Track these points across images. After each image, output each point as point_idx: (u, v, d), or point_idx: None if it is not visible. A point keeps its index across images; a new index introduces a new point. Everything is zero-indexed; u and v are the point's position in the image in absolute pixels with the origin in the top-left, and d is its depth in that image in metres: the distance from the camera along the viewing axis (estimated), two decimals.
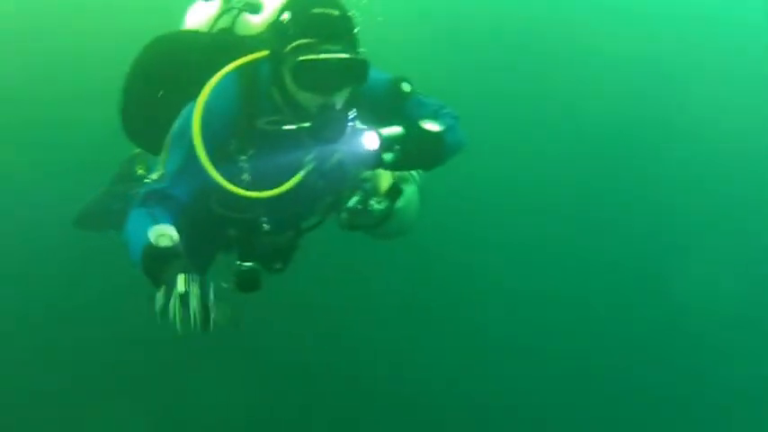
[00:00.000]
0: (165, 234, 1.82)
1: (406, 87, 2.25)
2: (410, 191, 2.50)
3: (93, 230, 3.18)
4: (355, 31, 2.03)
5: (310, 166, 2.13)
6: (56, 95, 4.09)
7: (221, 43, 2.32)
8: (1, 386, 3.63)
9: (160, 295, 1.69)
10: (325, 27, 1.94)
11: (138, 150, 2.95)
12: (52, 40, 4.33)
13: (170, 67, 2.30)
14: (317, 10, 1.95)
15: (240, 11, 2.40)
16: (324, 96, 1.99)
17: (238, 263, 2.30)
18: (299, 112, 2.04)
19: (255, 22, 2.46)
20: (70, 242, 3.58)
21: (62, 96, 4.12)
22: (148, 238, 1.81)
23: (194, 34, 2.45)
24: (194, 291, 1.65)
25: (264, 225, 2.27)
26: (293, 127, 2.03)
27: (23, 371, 3.67)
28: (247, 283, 2.30)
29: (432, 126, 2.14)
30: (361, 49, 2.04)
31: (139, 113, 2.37)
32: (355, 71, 2.01)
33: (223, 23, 2.43)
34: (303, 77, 1.96)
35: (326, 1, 1.98)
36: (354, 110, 2.13)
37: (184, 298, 1.64)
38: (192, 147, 2.00)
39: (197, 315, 1.64)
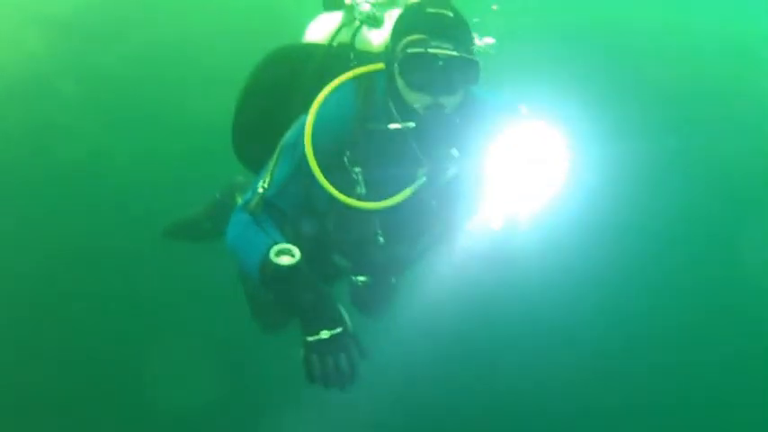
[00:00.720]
0: (285, 249, 1.80)
1: (523, 110, 2.18)
2: None
3: (179, 240, 3.29)
4: (471, 34, 2.00)
5: (422, 180, 2.05)
6: None
7: (339, 57, 2.26)
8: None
9: (309, 353, 1.71)
10: (436, 24, 1.92)
11: (240, 178, 3.01)
12: None
13: (286, 78, 2.26)
14: (430, 9, 1.94)
15: (361, 24, 2.34)
16: (432, 96, 1.94)
17: (353, 277, 2.29)
18: (408, 114, 1.99)
19: (376, 39, 2.40)
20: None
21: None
22: (266, 253, 1.79)
23: (313, 47, 2.40)
24: (344, 352, 1.71)
25: (380, 238, 2.18)
26: (398, 126, 1.99)
27: None
28: (363, 299, 2.37)
29: None
30: (475, 55, 1.98)
31: (252, 126, 2.32)
32: (463, 70, 1.94)
33: (343, 37, 2.37)
34: (409, 72, 1.93)
35: (442, 3, 1.97)
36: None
37: (335, 359, 1.70)
38: (303, 155, 1.96)
39: (348, 376, 1.71)
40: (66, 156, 4.38)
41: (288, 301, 1.81)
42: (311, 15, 2.56)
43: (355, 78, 2.10)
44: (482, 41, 2.27)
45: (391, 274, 2.39)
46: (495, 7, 2.71)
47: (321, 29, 2.49)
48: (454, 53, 1.89)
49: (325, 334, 1.72)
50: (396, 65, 1.97)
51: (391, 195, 2.04)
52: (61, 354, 3.75)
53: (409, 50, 1.91)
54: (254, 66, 2.35)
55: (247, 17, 5.11)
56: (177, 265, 3.92)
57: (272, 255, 1.77)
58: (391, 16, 2.26)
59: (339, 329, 1.74)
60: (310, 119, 1.98)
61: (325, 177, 1.96)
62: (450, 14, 1.94)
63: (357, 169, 2.05)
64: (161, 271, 4.06)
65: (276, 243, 1.82)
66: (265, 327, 2.89)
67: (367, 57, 2.22)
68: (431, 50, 1.88)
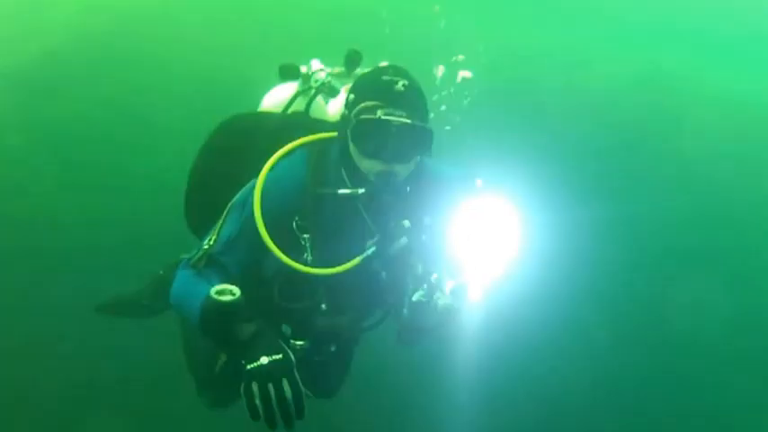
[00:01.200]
0: (225, 289, 1.74)
1: (479, 183, 2.16)
2: None
3: (114, 316, 3.13)
4: (425, 103, 2.02)
5: (371, 250, 2.03)
6: None
7: (293, 124, 2.28)
8: None
9: (248, 382, 1.64)
10: (390, 92, 1.93)
11: (184, 256, 3.02)
12: None
13: (239, 146, 2.26)
14: (385, 77, 1.96)
15: (316, 92, 2.39)
16: (384, 163, 1.94)
17: (292, 341, 2.21)
18: (360, 182, 1.99)
19: (331, 108, 2.45)
20: None
21: None
22: (207, 294, 1.74)
23: (267, 115, 2.43)
24: (286, 377, 1.63)
25: (322, 305, 2.14)
26: (347, 191, 1.99)
27: None
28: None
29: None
30: (428, 123, 2.00)
31: (204, 193, 2.31)
32: (416, 138, 1.95)
33: (298, 106, 2.41)
34: (362, 138, 1.94)
35: (397, 71, 1.99)
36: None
37: (277, 386, 1.61)
38: (250, 215, 1.96)
39: (292, 406, 1.62)
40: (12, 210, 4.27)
41: (228, 337, 1.73)
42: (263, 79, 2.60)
43: (306, 145, 2.12)
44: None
45: (331, 342, 2.32)
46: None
47: (276, 98, 2.51)
48: (407, 120, 1.91)
49: (264, 359, 1.64)
50: (348, 131, 1.97)
51: (339, 264, 2.02)
52: None
53: (362, 116, 1.93)
54: (208, 134, 2.36)
55: (197, 75, 5.09)
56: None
57: (212, 293, 1.73)
58: (347, 88, 2.27)
59: (280, 356, 1.66)
60: (260, 181, 1.98)
61: (269, 237, 1.94)
62: (406, 82, 1.95)
63: (306, 235, 2.04)
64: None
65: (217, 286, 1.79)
66: (212, 402, 2.77)
67: (321, 125, 2.24)
68: (384, 117, 1.90)
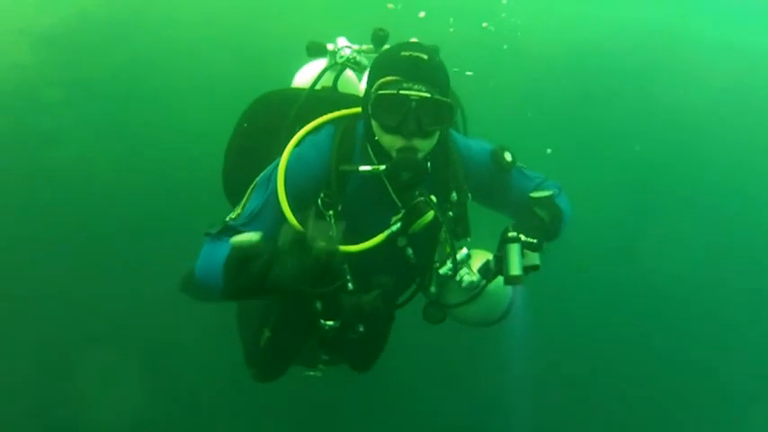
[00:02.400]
0: (245, 237, 1.69)
1: (507, 157, 2.19)
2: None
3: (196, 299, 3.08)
4: (446, 77, 1.99)
5: (396, 226, 2.03)
6: None
7: (321, 99, 2.29)
8: None
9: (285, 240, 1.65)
10: (410, 66, 1.91)
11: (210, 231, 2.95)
12: None
13: (271, 122, 2.29)
14: (405, 53, 1.94)
15: (342, 68, 2.41)
16: (404, 138, 1.92)
17: (321, 321, 2.21)
18: (384, 158, 1.98)
19: (361, 83, 2.51)
20: None
21: None
22: (228, 247, 1.72)
23: (297, 91, 2.42)
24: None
25: (348, 284, 2.10)
26: (368, 168, 1.97)
27: None
28: (330, 342, 2.35)
29: (541, 193, 2.15)
30: (450, 97, 1.97)
31: (239, 169, 2.32)
32: (436, 112, 1.92)
33: (327, 81, 2.43)
34: (381, 113, 1.92)
35: (417, 46, 1.96)
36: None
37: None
38: (274, 191, 1.97)
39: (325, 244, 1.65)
40: (51, 160, 4.54)
41: (259, 278, 1.70)
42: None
43: (334, 121, 2.14)
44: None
45: (359, 322, 2.29)
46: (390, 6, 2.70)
47: (306, 75, 2.56)
48: (426, 94, 1.88)
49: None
50: (369, 106, 1.97)
51: (364, 240, 2.02)
52: None
53: (381, 91, 1.91)
54: (242, 111, 2.42)
55: (233, 32, 5.27)
56: (152, 271, 4.09)
57: (232, 242, 1.69)
58: None
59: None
60: (285, 157, 2.01)
61: (291, 211, 1.94)
62: (425, 56, 1.92)
63: (330, 212, 2.04)
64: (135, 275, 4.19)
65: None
66: (257, 376, 2.78)
67: (347, 100, 2.26)
68: (402, 92, 1.88)
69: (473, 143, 2.25)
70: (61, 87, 4.94)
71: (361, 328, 2.30)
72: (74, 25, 5.32)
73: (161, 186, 4.57)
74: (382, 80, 1.94)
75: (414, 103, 1.88)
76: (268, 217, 1.98)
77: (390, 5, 4.85)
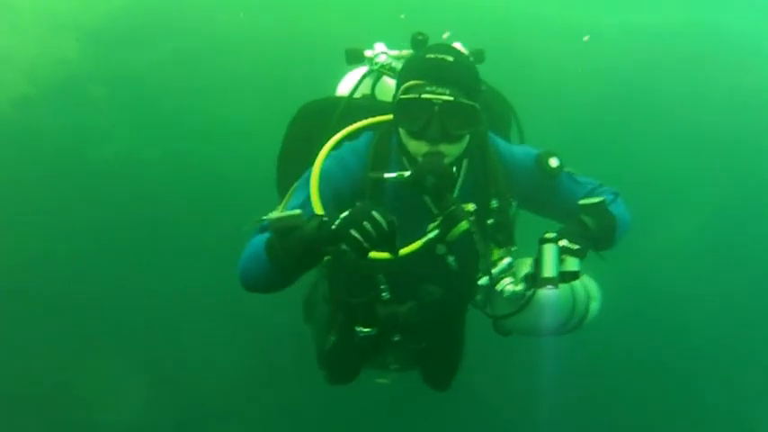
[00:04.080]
0: (286, 212, 1.73)
1: (553, 163, 2.09)
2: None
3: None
4: (475, 79, 1.94)
5: (434, 234, 1.96)
6: None
7: (355, 107, 2.29)
8: None
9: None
10: (433, 69, 1.86)
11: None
12: None
13: (314, 130, 2.27)
14: (430, 55, 1.89)
15: (379, 74, 2.41)
16: (429, 144, 1.88)
17: (358, 329, 2.24)
18: (412, 164, 1.94)
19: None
20: None
21: None
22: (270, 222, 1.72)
23: (337, 99, 2.42)
24: (376, 214, 1.62)
25: (383, 293, 2.10)
26: (394, 175, 1.92)
27: None
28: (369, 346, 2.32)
29: (591, 200, 2.02)
30: (477, 100, 1.90)
31: (288, 176, 2.30)
32: (461, 116, 1.86)
33: (366, 88, 2.43)
34: (404, 118, 1.88)
35: (443, 48, 1.92)
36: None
37: (372, 223, 1.61)
38: (309, 195, 1.94)
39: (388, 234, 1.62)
40: (97, 156, 4.53)
41: (301, 245, 1.69)
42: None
43: (373, 127, 2.13)
44: None
45: (394, 331, 2.27)
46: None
47: (348, 83, 2.57)
48: (449, 97, 1.83)
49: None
50: (394, 112, 1.94)
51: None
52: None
53: (403, 96, 1.88)
54: (289, 120, 2.44)
55: (275, 25, 5.20)
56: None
57: (273, 217, 1.72)
58: None
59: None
60: (321, 157, 2.01)
61: (322, 208, 1.91)
62: (450, 59, 1.87)
63: None
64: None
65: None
66: (333, 376, 2.76)
67: (386, 106, 2.18)
68: (425, 95, 1.84)
69: (517, 149, 2.17)
70: (107, 83, 4.93)
71: (397, 338, 2.29)
72: (119, 19, 5.31)
73: (209, 183, 4.49)
74: (407, 84, 1.90)
75: (437, 107, 1.84)
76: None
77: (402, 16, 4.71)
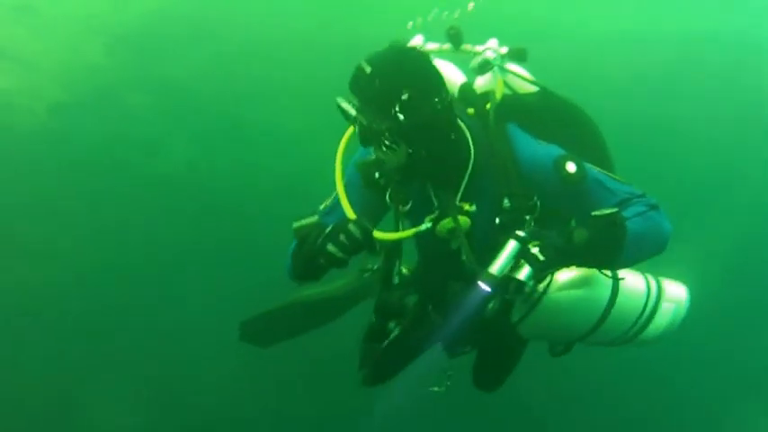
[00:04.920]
0: (305, 220, 1.89)
1: (570, 168, 1.92)
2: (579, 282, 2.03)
3: None
4: (393, 92, 1.79)
5: (424, 226, 1.99)
6: None
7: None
8: None
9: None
10: (355, 81, 1.83)
11: None
12: None
13: None
14: (360, 63, 1.82)
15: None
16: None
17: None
18: None
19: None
20: None
21: None
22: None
23: None
24: (350, 225, 1.75)
25: (395, 277, 2.15)
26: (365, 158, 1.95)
27: None
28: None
29: (603, 211, 1.80)
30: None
31: None
32: (371, 134, 1.81)
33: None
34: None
35: (374, 57, 1.84)
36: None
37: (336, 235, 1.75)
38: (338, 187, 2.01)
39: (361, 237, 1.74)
40: (150, 167, 4.42)
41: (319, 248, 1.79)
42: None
43: None
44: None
45: (385, 320, 2.33)
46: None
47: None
48: (362, 119, 1.79)
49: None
50: None
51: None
52: None
53: (340, 103, 1.87)
54: None
55: (318, 28, 5.16)
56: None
57: (294, 226, 1.89)
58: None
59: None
60: (339, 152, 2.05)
61: (346, 197, 1.98)
62: (367, 71, 1.79)
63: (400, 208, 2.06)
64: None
65: None
66: (370, 377, 2.64)
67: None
68: (348, 109, 1.84)
69: (540, 149, 2.00)
70: (142, 89, 4.78)
71: (396, 329, 2.28)
72: (150, 25, 5.14)
73: (254, 190, 4.46)
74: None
75: (357, 124, 1.83)
76: (339, 211, 2.00)
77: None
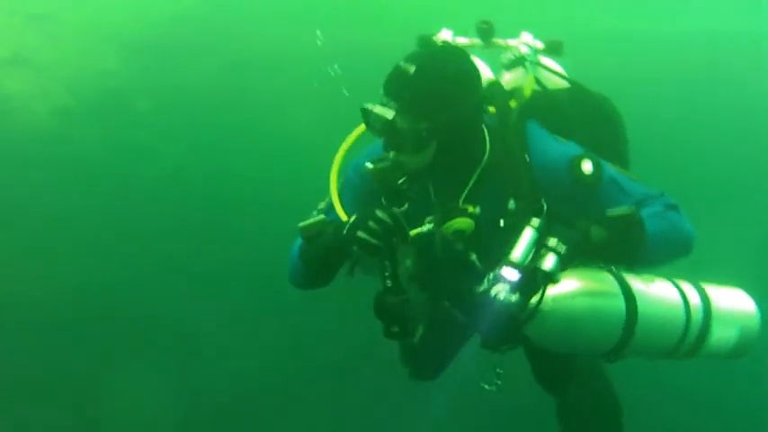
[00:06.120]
0: (312, 219, 1.88)
1: (587, 168, 1.86)
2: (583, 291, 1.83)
3: None
4: (431, 96, 1.75)
5: (427, 228, 1.92)
6: None
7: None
8: None
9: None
10: (391, 80, 1.78)
11: None
12: None
13: None
14: (400, 62, 1.78)
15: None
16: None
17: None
18: None
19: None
20: None
21: None
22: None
23: None
24: (379, 212, 1.73)
25: (387, 280, 1.94)
26: (370, 166, 1.87)
27: None
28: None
29: (618, 210, 1.77)
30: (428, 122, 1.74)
31: None
32: (400, 135, 1.76)
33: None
34: (366, 123, 1.86)
35: (415, 57, 1.79)
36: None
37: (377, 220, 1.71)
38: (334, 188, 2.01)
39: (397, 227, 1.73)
40: (146, 173, 4.39)
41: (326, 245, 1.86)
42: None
43: None
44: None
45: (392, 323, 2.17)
46: None
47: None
48: (389, 117, 1.73)
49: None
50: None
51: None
52: None
53: (364, 105, 1.81)
54: None
55: (325, 37, 5.11)
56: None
57: (300, 225, 1.88)
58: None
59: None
60: (334, 165, 2.03)
61: (338, 197, 1.98)
62: (411, 70, 1.74)
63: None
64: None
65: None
66: (414, 373, 2.63)
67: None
68: (374, 109, 1.77)
69: (555, 147, 1.93)
70: (151, 96, 4.82)
71: (395, 329, 2.13)
72: (163, 31, 5.21)
73: (261, 200, 4.32)
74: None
75: (379, 123, 1.78)
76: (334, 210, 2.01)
77: None
